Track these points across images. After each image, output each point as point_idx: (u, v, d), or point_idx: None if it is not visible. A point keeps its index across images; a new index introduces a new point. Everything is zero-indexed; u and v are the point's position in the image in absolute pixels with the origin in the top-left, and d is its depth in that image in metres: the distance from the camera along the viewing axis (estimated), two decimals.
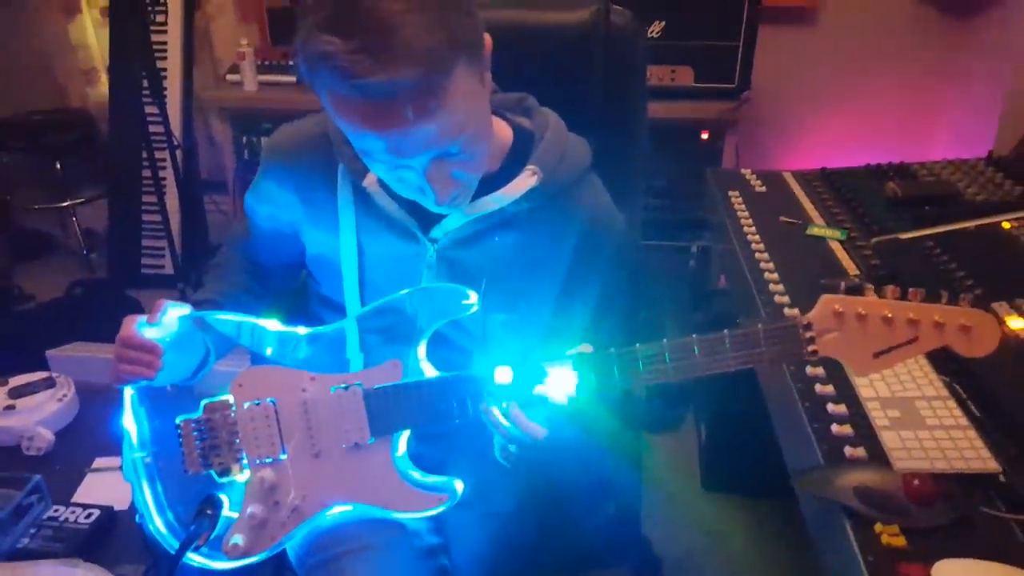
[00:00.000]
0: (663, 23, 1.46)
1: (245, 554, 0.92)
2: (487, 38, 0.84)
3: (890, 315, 0.79)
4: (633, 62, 1.28)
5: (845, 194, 1.59)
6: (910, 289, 0.79)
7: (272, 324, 0.98)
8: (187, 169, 2.46)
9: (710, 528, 1.85)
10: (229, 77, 2.32)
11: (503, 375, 0.87)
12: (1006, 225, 1.24)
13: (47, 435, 1.60)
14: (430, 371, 0.93)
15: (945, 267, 1.17)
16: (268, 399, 0.94)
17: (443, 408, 0.89)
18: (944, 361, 0.99)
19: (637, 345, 0.84)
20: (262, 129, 2.32)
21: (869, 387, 0.98)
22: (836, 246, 1.38)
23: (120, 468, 1.15)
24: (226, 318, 0.98)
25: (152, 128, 2.36)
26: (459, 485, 0.91)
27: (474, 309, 0.90)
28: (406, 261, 1.00)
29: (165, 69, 2.31)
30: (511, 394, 0.87)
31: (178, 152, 2.27)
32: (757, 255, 1.37)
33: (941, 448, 0.86)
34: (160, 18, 2.30)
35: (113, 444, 1.42)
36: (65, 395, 1.70)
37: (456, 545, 1.01)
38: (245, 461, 0.95)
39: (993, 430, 0.88)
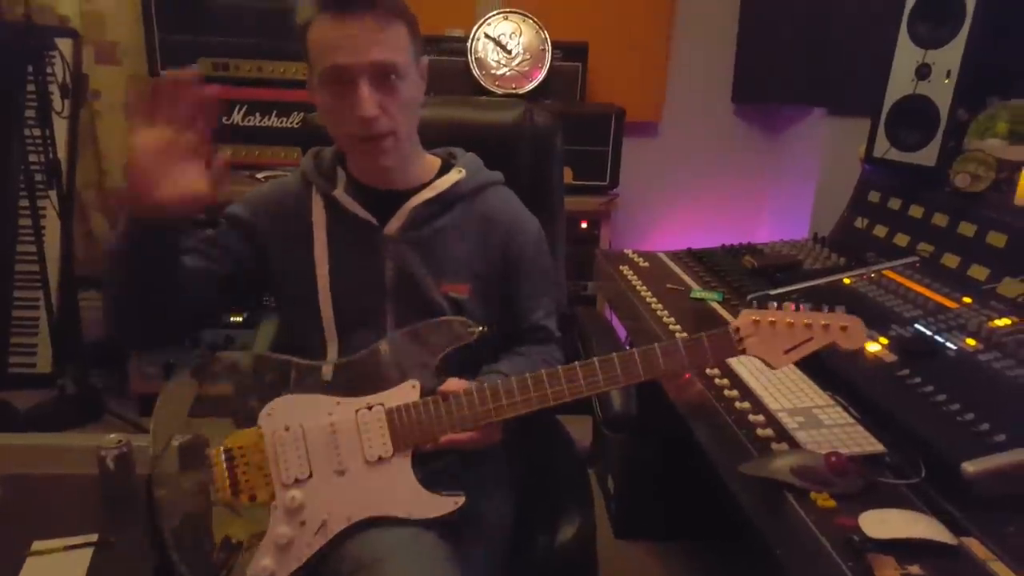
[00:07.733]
0: None
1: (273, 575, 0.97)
2: (425, 59, 1.16)
3: (791, 321, 1.04)
4: (552, 152, 1.53)
5: (711, 267, 1.91)
6: (801, 304, 1.05)
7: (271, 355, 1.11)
8: (66, 263, 2.40)
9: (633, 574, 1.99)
10: None
11: None
12: (847, 281, 1.58)
13: None
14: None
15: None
16: (297, 424, 1.03)
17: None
18: (827, 380, 1.26)
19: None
20: None
21: (776, 401, 1.22)
22: (716, 306, 1.67)
23: (64, 549, 1.14)
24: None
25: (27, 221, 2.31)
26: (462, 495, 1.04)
27: (476, 334, 1.06)
28: (369, 252, 1.19)
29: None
30: None
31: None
32: (658, 312, 1.62)
33: (840, 439, 1.11)
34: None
35: (52, 526, 1.36)
36: None
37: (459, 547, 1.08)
38: (274, 485, 1.02)
39: (871, 424, 1.14)
